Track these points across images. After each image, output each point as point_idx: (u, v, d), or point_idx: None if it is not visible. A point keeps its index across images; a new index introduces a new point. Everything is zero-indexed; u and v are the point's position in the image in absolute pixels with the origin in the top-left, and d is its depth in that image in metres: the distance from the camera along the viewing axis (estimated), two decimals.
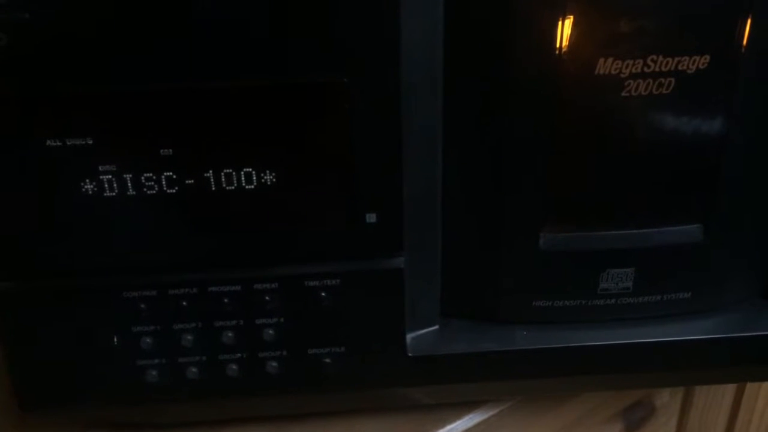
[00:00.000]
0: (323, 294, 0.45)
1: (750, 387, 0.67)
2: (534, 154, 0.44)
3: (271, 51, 0.39)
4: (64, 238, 0.42)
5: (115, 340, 0.45)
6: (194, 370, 0.46)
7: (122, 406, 0.48)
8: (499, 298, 0.48)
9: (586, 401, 0.59)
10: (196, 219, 0.42)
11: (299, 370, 0.47)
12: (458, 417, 0.53)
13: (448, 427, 0.52)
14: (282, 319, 0.45)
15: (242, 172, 0.41)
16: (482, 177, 0.45)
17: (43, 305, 0.44)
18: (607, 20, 0.40)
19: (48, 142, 0.39)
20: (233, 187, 0.41)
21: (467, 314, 0.49)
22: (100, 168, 0.40)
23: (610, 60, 0.40)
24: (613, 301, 0.48)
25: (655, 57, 0.40)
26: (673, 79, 0.41)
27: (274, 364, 0.46)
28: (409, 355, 0.47)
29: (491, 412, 0.54)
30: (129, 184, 0.41)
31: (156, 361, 0.45)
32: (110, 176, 0.40)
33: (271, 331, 0.45)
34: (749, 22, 0.40)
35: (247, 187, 0.41)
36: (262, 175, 0.41)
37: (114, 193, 0.41)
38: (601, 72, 0.41)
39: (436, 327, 0.48)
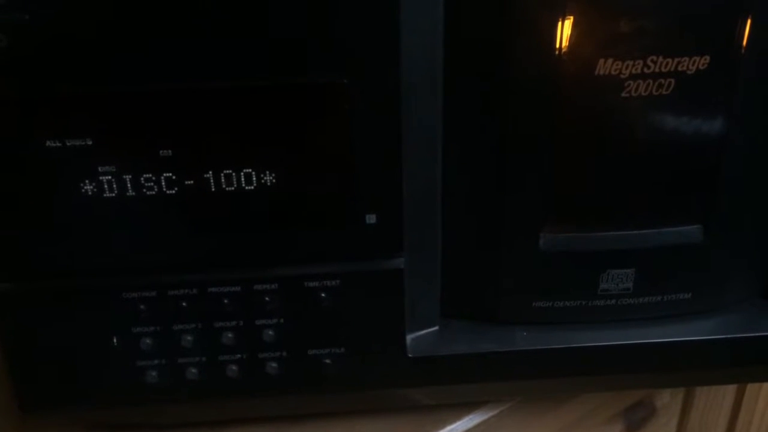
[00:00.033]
0: (323, 295, 0.45)
1: (750, 388, 0.67)
2: (534, 155, 0.44)
3: (271, 51, 0.38)
4: (63, 239, 0.42)
5: (115, 340, 0.45)
6: (194, 370, 0.46)
7: (122, 406, 0.48)
8: (499, 298, 0.48)
9: (587, 402, 0.59)
10: (195, 220, 0.42)
11: (299, 371, 0.47)
12: (458, 418, 0.53)
13: (448, 428, 0.52)
14: (282, 320, 0.45)
15: (242, 173, 0.41)
16: (482, 177, 0.45)
17: (43, 306, 0.44)
18: (607, 21, 0.40)
19: (47, 143, 0.39)
20: (233, 188, 0.41)
21: (467, 315, 0.49)
22: (99, 169, 0.40)
23: (610, 60, 0.40)
24: (613, 301, 0.48)
25: (655, 57, 0.40)
26: (673, 80, 0.41)
27: (274, 364, 0.46)
28: (409, 355, 0.47)
29: (491, 413, 0.54)
30: (128, 185, 0.41)
31: (156, 361, 0.45)
32: (110, 177, 0.40)
33: (270, 332, 0.45)
34: (749, 22, 0.40)
35: (246, 187, 0.41)
36: (262, 175, 0.41)
37: (113, 194, 0.41)
38: (601, 72, 0.41)
39: (435, 328, 0.48)
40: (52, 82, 0.38)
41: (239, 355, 0.46)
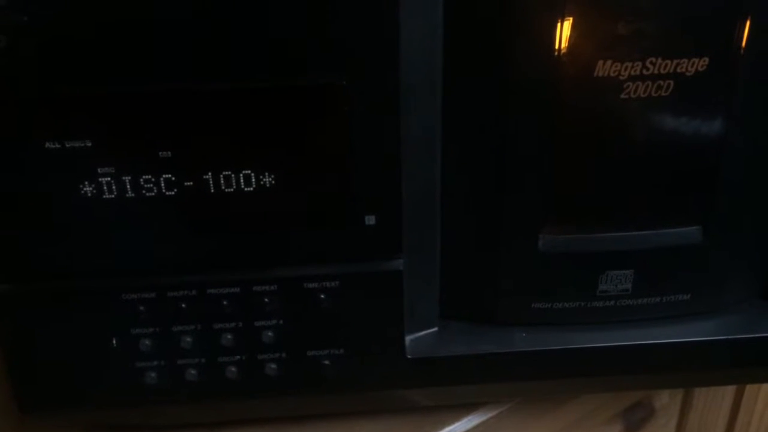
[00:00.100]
0: (322, 296, 0.45)
1: (749, 389, 0.67)
2: (533, 156, 0.44)
3: (270, 53, 0.38)
4: (63, 240, 0.42)
5: (114, 342, 0.45)
6: (193, 372, 0.46)
7: (121, 408, 0.48)
8: (498, 299, 0.48)
9: (586, 403, 0.59)
10: (195, 221, 0.42)
11: (298, 372, 0.47)
12: (457, 419, 0.53)
13: (447, 429, 0.52)
14: (281, 321, 0.45)
15: (241, 174, 0.41)
16: (481, 178, 0.45)
17: (42, 307, 0.44)
18: (606, 22, 0.40)
19: (47, 144, 0.39)
20: (232, 189, 0.41)
21: (466, 316, 0.49)
22: (98, 170, 0.40)
23: (609, 62, 0.40)
24: (612, 302, 0.48)
25: (654, 59, 0.40)
26: (672, 81, 0.41)
27: (273, 366, 0.46)
28: (408, 357, 0.47)
29: (490, 414, 0.54)
30: (128, 186, 0.41)
31: (155, 363, 0.45)
32: (109, 178, 0.40)
33: (270, 333, 0.45)
34: (748, 24, 0.40)
35: (246, 189, 0.41)
36: (261, 177, 0.41)
37: (113, 195, 0.41)
38: (600, 74, 0.41)
39: (435, 329, 0.48)
40: (51, 83, 0.38)
41: (238, 357, 0.46)
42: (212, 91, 0.39)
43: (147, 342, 0.45)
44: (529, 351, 0.48)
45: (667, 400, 0.65)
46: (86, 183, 0.40)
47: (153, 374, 0.45)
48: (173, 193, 0.41)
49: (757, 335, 0.49)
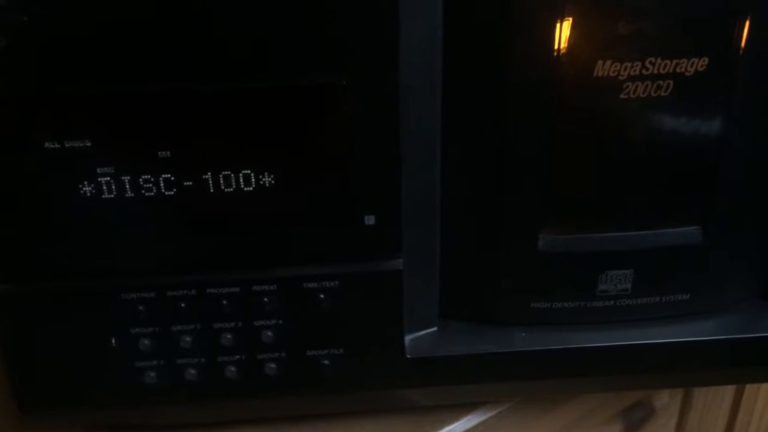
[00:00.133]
0: (322, 296, 0.45)
1: (749, 388, 0.67)
2: (533, 156, 0.44)
3: (270, 53, 0.38)
4: (62, 240, 0.42)
5: (114, 341, 0.45)
6: (193, 371, 0.46)
7: (121, 407, 0.48)
8: (498, 299, 0.48)
9: (585, 402, 0.59)
10: (194, 221, 0.42)
11: (298, 372, 0.47)
12: (456, 418, 0.53)
13: (447, 429, 0.52)
14: (280, 321, 0.45)
15: (240, 174, 0.41)
16: (481, 179, 0.45)
17: (41, 307, 0.44)
18: (605, 22, 0.40)
19: (46, 144, 0.39)
20: (232, 189, 0.41)
21: (465, 316, 0.49)
22: (98, 170, 0.40)
23: (608, 62, 0.40)
24: (611, 302, 0.48)
25: (653, 59, 0.40)
26: (671, 81, 0.41)
27: (273, 365, 0.46)
28: (408, 356, 0.47)
29: (489, 414, 0.54)
30: (127, 186, 0.41)
31: (154, 362, 0.45)
32: (108, 178, 0.40)
33: (269, 333, 0.45)
34: (747, 24, 0.40)
35: (245, 188, 0.41)
36: (261, 177, 0.41)
37: (112, 195, 0.41)
38: (600, 74, 0.41)
39: (434, 329, 0.48)
40: (50, 83, 0.38)
41: (238, 356, 0.46)
42: (212, 91, 0.39)
43: (146, 342, 0.45)
44: (528, 351, 0.48)
45: (666, 400, 0.65)
46: (86, 183, 0.40)
47: (152, 374, 0.46)
48: (173, 192, 0.41)
49: (756, 335, 0.49)
